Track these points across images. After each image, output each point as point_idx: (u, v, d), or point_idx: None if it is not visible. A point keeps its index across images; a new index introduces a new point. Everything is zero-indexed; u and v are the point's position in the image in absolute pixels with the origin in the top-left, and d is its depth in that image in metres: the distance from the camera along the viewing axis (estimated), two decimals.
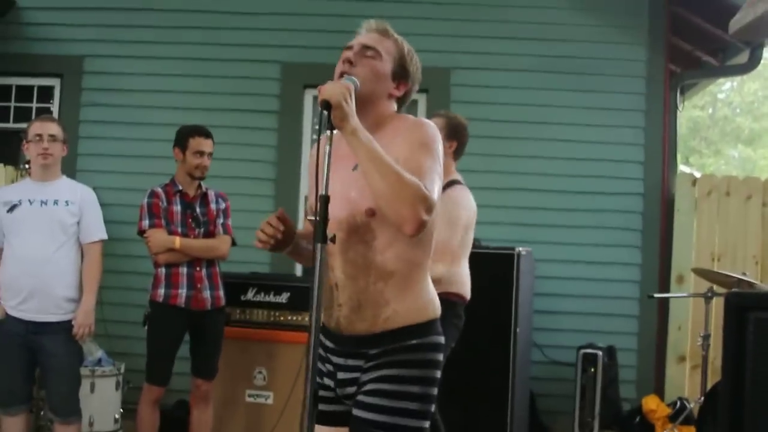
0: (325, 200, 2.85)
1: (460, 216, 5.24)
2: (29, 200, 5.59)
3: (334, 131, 2.94)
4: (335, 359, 3.19)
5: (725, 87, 28.41)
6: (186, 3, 8.31)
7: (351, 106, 2.93)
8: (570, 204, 7.91)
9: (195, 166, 6.14)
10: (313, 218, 2.88)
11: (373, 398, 3.03)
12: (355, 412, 3.08)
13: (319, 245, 2.85)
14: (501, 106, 8.01)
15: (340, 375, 3.17)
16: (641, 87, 8.00)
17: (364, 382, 3.08)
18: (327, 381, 3.22)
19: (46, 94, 8.53)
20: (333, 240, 2.92)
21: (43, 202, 5.60)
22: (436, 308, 3.19)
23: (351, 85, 3.01)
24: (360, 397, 3.07)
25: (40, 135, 5.63)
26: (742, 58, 8.45)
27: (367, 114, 3.13)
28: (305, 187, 8.11)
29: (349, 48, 3.24)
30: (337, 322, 3.14)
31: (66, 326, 5.58)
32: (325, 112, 2.91)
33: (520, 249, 6.90)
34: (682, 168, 9.70)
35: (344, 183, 3.07)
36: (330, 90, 2.92)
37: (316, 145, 3.00)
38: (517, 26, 8.08)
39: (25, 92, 8.55)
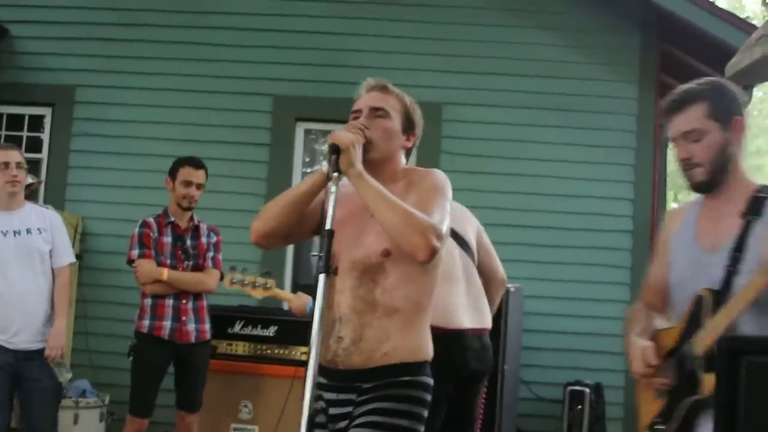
0: (330, 234, 2.99)
1: None
2: (2, 232, 5.60)
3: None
4: (327, 395, 3.25)
5: None
6: (179, 35, 8.34)
7: (358, 153, 3.12)
8: (559, 240, 7.91)
9: (182, 195, 6.14)
10: (316, 254, 3.01)
11: (364, 429, 3.11)
12: None
13: (322, 276, 2.95)
14: (492, 141, 8.03)
15: (332, 410, 3.24)
16: (632, 125, 8.03)
17: (356, 415, 3.16)
18: (320, 418, 3.26)
19: (36, 123, 8.53)
20: (335, 272, 3.05)
21: (17, 232, 5.62)
22: (429, 351, 3.31)
23: (361, 139, 3.18)
24: (351, 430, 3.14)
25: (6, 163, 5.62)
26: None
27: (384, 170, 3.32)
28: None
29: (357, 112, 3.38)
30: (335, 355, 3.21)
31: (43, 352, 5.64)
32: (333, 156, 3.08)
33: (509, 285, 6.88)
34: (671, 205, 9.71)
35: (362, 227, 3.25)
36: (341, 136, 3.11)
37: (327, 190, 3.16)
38: (508, 62, 8.12)
39: (15, 121, 8.54)
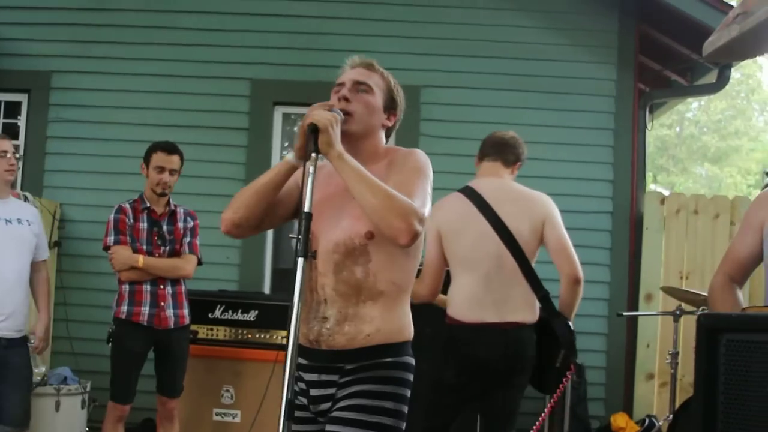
0: (308, 217, 2.96)
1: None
2: None
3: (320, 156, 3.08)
4: (308, 376, 3.24)
5: (693, 106, 28.69)
6: (155, 19, 8.27)
7: (336, 133, 3.07)
8: None
9: (156, 182, 6.10)
10: (294, 236, 2.95)
11: (349, 413, 3.11)
12: (330, 427, 3.13)
13: (300, 260, 2.93)
14: (471, 124, 8.00)
15: (314, 392, 3.23)
16: (611, 106, 8.04)
17: (340, 397, 3.16)
18: (301, 399, 3.26)
19: (13, 109, 8.45)
20: (314, 256, 3.10)
21: (8, 221, 5.72)
22: (410, 331, 3.32)
23: (338, 116, 3.14)
24: (335, 413, 3.14)
25: (5, 151, 5.72)
26: (711, 77, 8.51)
27: (364, 147, 3.31)
28: None
29: (341, 85, 3.36)
30: (318, 335, 3.20)
31: (24, 340, 5.83)
32: (312, 135, 3.04)
33: None
34: (650, 186, 9.74)
35: (342, 209, 3.22)
36: (318, 115, 3.07)
37: (301, 168, 3.12)
38: (487, 45, 8.11)
39: None
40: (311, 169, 3.03)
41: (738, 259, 3.75)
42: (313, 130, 3.03)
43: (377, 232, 3.13)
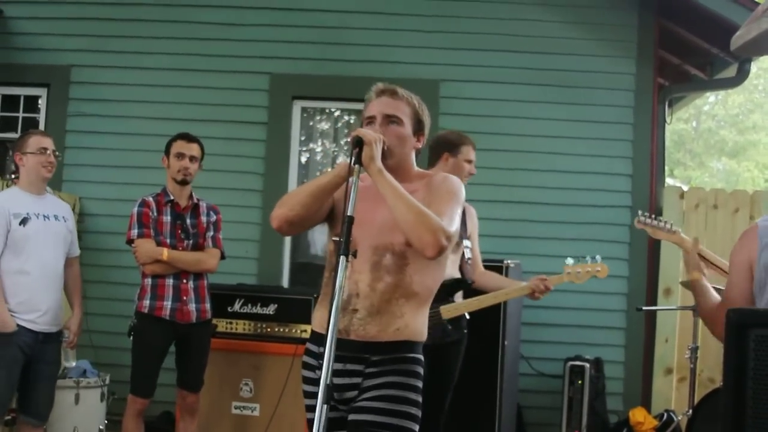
0: (350, 220, 3.17)
1: None
2: (35, 214, 5.74)
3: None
4: (333, 365, 3.27)
5: (710, 100, 28.53)
6: (174, 14, 8.29)
7: (379, 149, 3.36)
8: (558, 216, 7.91)
9: (177, 169, 6.11)
10: (337, 239, 3.20)
11: (379, 402, 3.37)
12: (356, 416, 3.39)
13: (342, 258, 3.12)
14: (490, 118, 8.01)
15: (338, 380, 3.41)
16: (630, 100, 8.01)
17: (368, 387, 3.42)
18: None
19: (32, 103, 8.50)
20: (355, 255, 3.23)
21: (46, 217, 5.79)
22: (426, 334, 3.60)
23: (382, 137, 3.42)
24: (364, 402, 3.40)
25: (45, 148, 5.78)
26: (730, 71, 8.48)
27: (399, 173, 3.53)
28: None
29: (371, 118, 3.60)
30: (348, 325, 3.41)
31: (58, 335, 5.88)
32: (356, 149, 3.31)
33: (509, 261, 6.89)
34: (667, 181, 9.72)
35: (380, 215, 3.45)
36: (365, 131, 3.37)
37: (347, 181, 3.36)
38: (506, 39, 8.09)
39: (11, 102, 8.50)
40: (353, 179, 3.26)
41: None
42: (358, 143, 3.29)
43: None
